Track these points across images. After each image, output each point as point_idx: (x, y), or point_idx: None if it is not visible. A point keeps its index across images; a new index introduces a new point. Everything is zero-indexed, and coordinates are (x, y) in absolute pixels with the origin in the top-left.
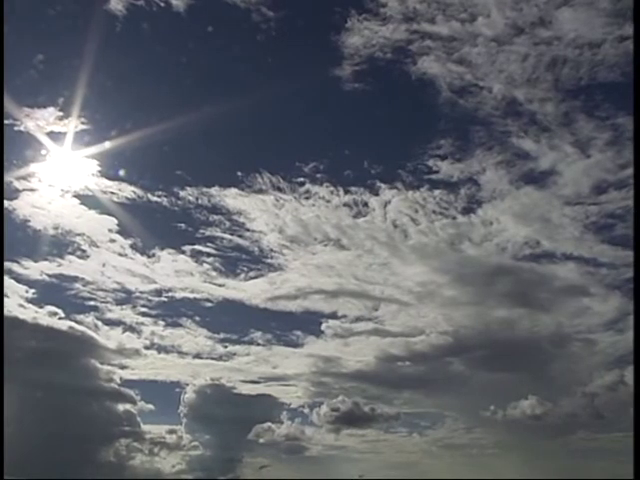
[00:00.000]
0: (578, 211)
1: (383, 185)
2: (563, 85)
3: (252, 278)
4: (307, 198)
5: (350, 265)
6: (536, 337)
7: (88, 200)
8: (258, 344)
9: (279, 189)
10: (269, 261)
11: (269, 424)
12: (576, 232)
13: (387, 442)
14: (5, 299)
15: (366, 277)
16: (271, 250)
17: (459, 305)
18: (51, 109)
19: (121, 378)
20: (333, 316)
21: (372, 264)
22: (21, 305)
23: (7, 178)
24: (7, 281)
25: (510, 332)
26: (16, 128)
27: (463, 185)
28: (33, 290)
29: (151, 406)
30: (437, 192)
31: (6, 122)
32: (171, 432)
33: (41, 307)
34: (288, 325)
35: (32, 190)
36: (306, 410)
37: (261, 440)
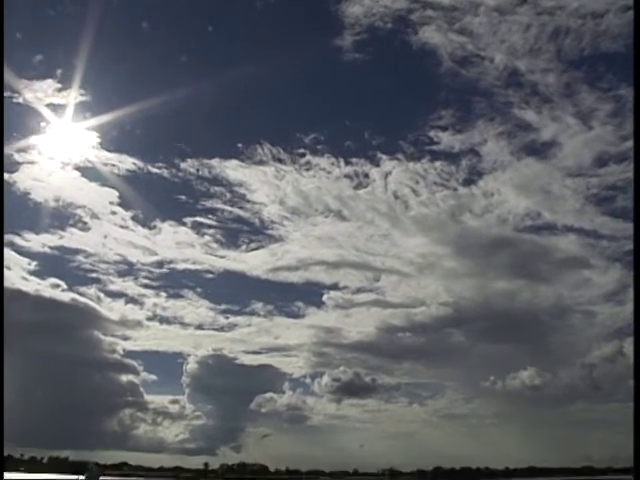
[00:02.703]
0: (579, 183)
1: (384, 156)
2: (565, 56)
3: (253, 249)
4: (308, 169)
5: (351, 236)
6: (536, 309)
7: (89, 172)
8: (259, 315)
9: (279, 160)
10: (270, 232)
11: (271, 394)
12: (577, 204)
13: (388, 412)
14: (7, 271)
15: (367, 248)
16: (272, 221)
17: (459, 277)
18: (50, 81)
19: (124, 349)
20: (334, 287)
21: (373, 235)
22: (23, 277)
23: (7, 151)
24: (9, 253)
25: (510, 304)
26: (15, 100)
27: (464, 156)
28: (35, 262)
29: (154, 377)
30: (438, 163)
31: (5, 94)
32: (174, 402)
33: (43, 279)
34: (289, 296)
35: (32, 163)
36: (307, 380)
37: (263, 410)
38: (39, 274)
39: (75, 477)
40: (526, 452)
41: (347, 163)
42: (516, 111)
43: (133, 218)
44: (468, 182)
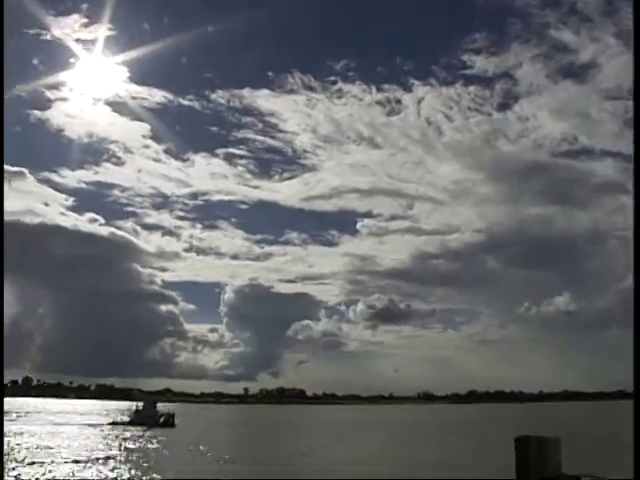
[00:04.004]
0: (618, 106)
1: (416, 82)
2: None
3: (286, 179)
4: (339, 97)
5: (384, 164)
6: (571, 234)
7: (120, 107)
8: (294, 244)
9: (311, 88)
10: (303, 162)
11: (307, 322)
12: (615, 127)
13: (422, 338)
14: (46, 208)
15: (400, 175)
16: (304, 150)
17: (494, 203)
18: (76, 16)
19: (162, 280)
20: (368, 215)
21: (406, 162)
22: (62, 213)
23: (39, 88)
24: (47, 190)
25: (545, 229)
26: (43, 37)
27: (498, 80)
28: (72, 198)
29: (192, 306)
30: (472, 88)
31: (32, 31)
32: (213, 331)
33: (81, 214)
34: (323, 225)
35: (64, 99)
36: (342, 308)
37: (299, 337)
38: (76, 210)
39: (134, 403)
40: (560, 377)
41: (379, 89)
42: (553, 32)
43: (166, 151)
44: (503, 107)
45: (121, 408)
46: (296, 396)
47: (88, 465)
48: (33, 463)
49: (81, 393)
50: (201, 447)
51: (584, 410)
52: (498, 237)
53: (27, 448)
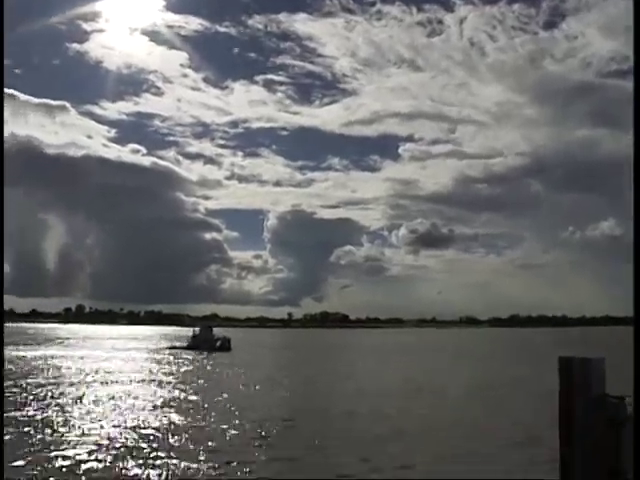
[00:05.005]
0: None
1: (458, 1)
2: None
3: (326, 104)
4: (379, 19)
5: (425, 86)
6: (619, 158)
7: (157, 36)
8: (336, 170)
9: (349, 11)
10: (343, 86)
11: (349, 247)
12: None
13: (465, 262)
14: (89, 140)
15: (442, 98)
16: (344, 75)
17: (538, 125)
18: None
19: (206, 208)
20: (410, 139)
21: (448, 85)
22: (104, 145)
23: (75, 20)
24: (89, 123)
25: (591, 152)
26: None
27: None
28: (114, 130)
29: (236, 234)
30: (516, 6)
31: None
32: (256, 257)
33: (123, 145)
34: (365, 150)
35: (101, 31)
36: (385, 232)
37: (342, 262)
38: (119, 141)
39: (183, 328)
40: (603, 302)
41: (419, 10)
42: None
43: (204, 79)
44: (549, 25)
45: (176, 334)
46: (339, 320)
47: (158, 384)
48: (105, 383)
49: (131, 319)
50: (257, 369)
51: (627, 334)
52: (543, 160)
53: (96, 371)
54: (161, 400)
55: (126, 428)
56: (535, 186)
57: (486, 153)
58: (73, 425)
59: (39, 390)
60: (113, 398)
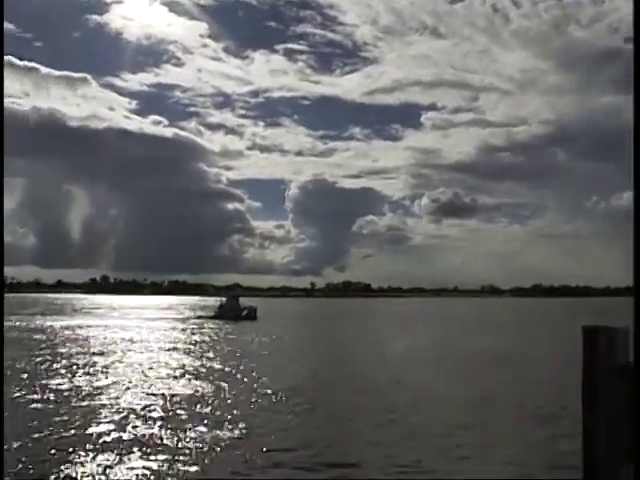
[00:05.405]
0: None
1: None
2: None
3: (347, 73)
4: None
5: (448, 54)
6: None
7: (176, 7)
8: (357, 139)
9: None
10: (364, 54)
11: (371, 216)
12: None
13: (487, 232)
14: (111, 112)
15: (465, 66)
16: (365, 43)
17: (563, 92)
18: None
19: (228, 179)
20: (432, 107)
21: (471, 52)
22: (126, 117)
23: None
24: (110, 95)
25: (617, 121)
26: None
27: None
28: (136, 101)
29: (258, 204)
30: None
31: None
32: (279, 227)
33: (145, 117)
34: (386, 119)
35: (120, 2)
36: (407, 202)
37: (364, 232)
38: (140, 112)
39: (206, 298)
40: (627, 272)
41: None
42: None
43: (225, 49)
44: None
45: (200, 304)
46: (361, 290)
47: (188, 352)
48: (135, 351)
49: (155, 289)
50: (284, 337)
51: None
52: (567, 129)
53: (130, 340)
54: (192, 368)
55: (155, 395)
56: (559, 154)
57: (509, 121)
58: (102, 393)
59: (70, 360)
60: (141, 365)
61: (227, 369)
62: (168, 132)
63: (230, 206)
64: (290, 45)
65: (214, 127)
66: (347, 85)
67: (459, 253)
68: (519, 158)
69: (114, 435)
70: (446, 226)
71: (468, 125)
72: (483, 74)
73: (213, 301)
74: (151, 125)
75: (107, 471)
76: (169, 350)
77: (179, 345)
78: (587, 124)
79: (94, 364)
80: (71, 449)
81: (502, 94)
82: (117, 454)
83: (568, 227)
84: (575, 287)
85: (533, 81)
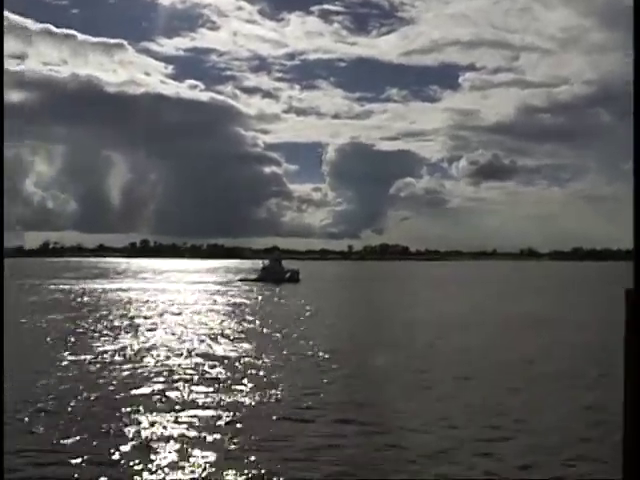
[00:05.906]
0: None
1: None
2: None
3: (384, 34)
4: None
5: (487, 13)
6: None
7: None
8: (395, 101)
9: None
10: (400, 14)
11: (409, 179)
12: None
13: (527, 194)
14: (147, 77)
15: (505, 25)
16: (402, 3)
17: (607, 51)
18: None
19: (264, 142)
20: (470, 68)
21: (510, 10)
22: (162, 82)
23: None
24: (146, 60)
25: None
26: None
27: None
28: (172, 66)
29: (295, 167)
30: None
31: None
32: (316, 190)
33: (181, 82)
34: (424, 80)
35: None
36: (445, 164)
37: (402, 194)
38: (176, 77)
39: (244, 261)
40: None
41: None
42: None
43: (260, 12)
44: None
45: (239, 267)
46: (399, 252)
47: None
48: (179, 313)
49: (194, 253)
50: (329, 299)
51: None
52: (611, 88)
53: (171, 303)
54: (242, 328)
55: (202, 356)
56: (602, 115)
57: (550, 81)
58: (146, 355)
59: (119, 322)
60: (186, 327)
61: (285, 330)
62: (204, 96)
63: (267, 170)
64: (325, 6)
65: (250, 91)
66: (384, 46)
67: (497, 216)
68: (560, 119)
69: None
70: (484, 189)
71: (508, 86)
72: (523, 33)
73: (250, 264)
74: (187, 89)
75: None
76: (218, 313)
77: (237, 306)
78: (631, 84)
79: (136, 327)
80: None
81: (543, 53)
82: None
83: (610, 189)
84: (617, 250)
85: (575, 39)
